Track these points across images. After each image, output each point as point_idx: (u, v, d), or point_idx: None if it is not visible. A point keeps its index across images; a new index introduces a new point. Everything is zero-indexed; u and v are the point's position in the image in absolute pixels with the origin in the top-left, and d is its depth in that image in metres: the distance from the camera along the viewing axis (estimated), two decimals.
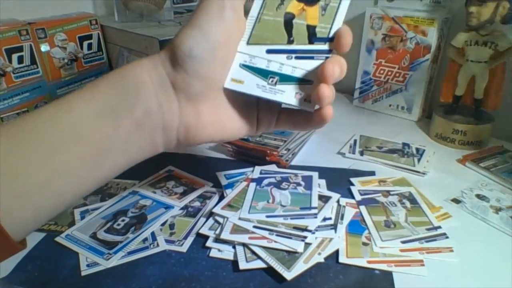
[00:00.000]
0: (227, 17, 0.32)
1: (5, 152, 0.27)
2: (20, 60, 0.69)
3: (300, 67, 0.33)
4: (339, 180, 0.53)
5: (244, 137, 0.38)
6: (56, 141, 0.28)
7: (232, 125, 0.36)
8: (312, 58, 0.33)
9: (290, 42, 0.34)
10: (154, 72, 0.32)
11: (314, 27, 0.34)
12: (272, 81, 0.34)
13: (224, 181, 0.51)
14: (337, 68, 0.32)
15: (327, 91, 0.32)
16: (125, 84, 0.31)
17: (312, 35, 0.34)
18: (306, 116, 0.36)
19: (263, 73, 0.34)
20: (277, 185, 0.49)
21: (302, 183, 0.50)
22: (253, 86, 0.34)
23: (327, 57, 0.33)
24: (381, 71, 0.75)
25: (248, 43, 0.34)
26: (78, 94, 0.31)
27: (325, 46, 0.33)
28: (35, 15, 0.75)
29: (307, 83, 0.33)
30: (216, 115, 0.34)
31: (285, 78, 0.33)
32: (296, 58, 0.34)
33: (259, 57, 0.34)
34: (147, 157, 0.34)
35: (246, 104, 0.36)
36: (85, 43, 0.78)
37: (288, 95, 0.33)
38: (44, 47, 0.72)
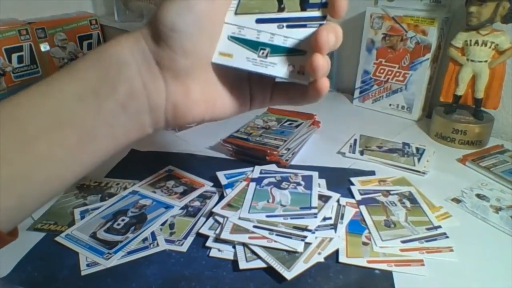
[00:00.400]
0: None
1: None
2: (20, 59, 0.69)
3: (292, 37, 0.31)
4: (339, 179, 0.53)
5: (237, 115, 0.36)
6: (37, 128, 0.27)
7: (223, 102, 0.34)
8: (305, 26, 0.31)
9: (281, 10, 0.31)
10: (136, 49, 0.30)
11: None
12: (263, 53, 0.31)
13: (224, 181, 0.51)
14: (332, 35, 0.29)
15: (321, 61, 0.29)
16: (106, 64, 0.29)
17: (304, 1, 0.31)
18: (301, 89, 0.33)
19: (253, 45, 0.32)
20: (277, 185, 0.49)
21: (302, 182, 0.50)
22: (243, 60, 0.32)
23: (321, 24, 0.31)
24: (381, 71, 0.75)
25: (236, 13, 0.32)
26: (57, 77, 0.29)
27: (318, 13, 0.31)
28: (35, 15, 0.75)
29: (300, 53, 0.31)
30: (206, 93, 0.32)
31: (276, 50, 0.31)
32: (288, 27, 0.31)
33: (249, 28, 0.32)
34: (136, 139, 0.32)
35: (237, 79, 0.34)
36: (85, 43, 0.78)
37: (281, 68, 0.31)
38: (44, 47, 0.72)
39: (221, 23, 0.32)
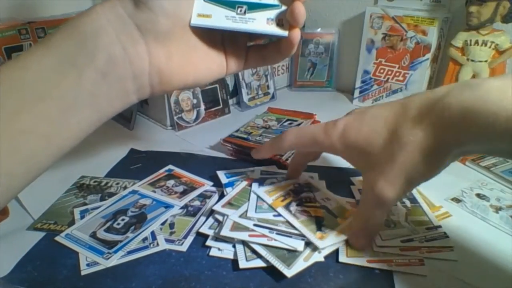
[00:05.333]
0: None
1: None
2: None
3: None
4: (339, 179, 0.53)
5: (216, 79, 0.37)
6: (17, 102, 0.27)
7: (203, 65, 0.35)
8: None
9: None
10: (112, 14, 0.30)
11: None
12: (240, 10, 0.32)
13: (224, 180, 0.51)
14: None
15: (302, 9, 0.31)
16: (82, 33, 0.29)
17: None
18: (274, 46, 0.35)
19: (230, 4, 0.32)
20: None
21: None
22: (222, 19, 0.32)
23: None
24: (381, 71, 0.75)
25: None
26: (33, 50, 0.29)
27: None
28: (35, 15, 0.75)
29: (277, 7, 0.32)
30: (187, 56, 0.33)
31: (253, 6, 0.32)
32: None
33: None
34: (120, 109, 0.32)
35: (212, 42, 0.35)
36: None
37: (260, 22, 0.32)
38: None
39: None
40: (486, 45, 0.59)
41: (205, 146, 0.63)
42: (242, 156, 0.58)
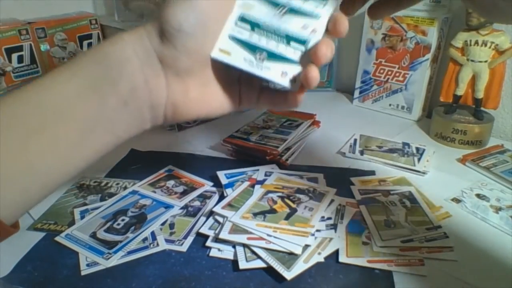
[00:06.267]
0: None
1: None
2: (20, 59, 0.69)
3: (290, 46, 0.33)
4: (339, 179, 0.53)
5: (228, 112, 0.37)
6: (39, 122, 0.28)
7: (217, 101, 0.35)
8: (304, 39, 0.33)
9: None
10: (139, 46, 0.30)
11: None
12: (260, 57, 0.33)
13: (224, 180, 0.51)
14: (329, 51, 0.31)
15: (316, 74, 0.31)
16: (107, 59, 0.30)
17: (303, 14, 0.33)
18: (283, 96, 0.36)
19: (252, 48, 0.33)
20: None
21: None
22: (240, 59, 0.33)
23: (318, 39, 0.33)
24: (381, 71, 0.75)
25: (240, 16, 0.33)
26: (58, 73, 0.30)
27: (319, 26, 0.33)
28: (35, 15, 0.75)
29: (295, 63, 0.33)
30: (203, 91, 0.34)
31: (273, 56, 0.33)
32: (287, 36, 0.33)
33: (249, 31, 0.33)
34: (135, 134, 0.33)
35: (229, 80, 0.36)
36: (85, 43, 0.78)
37: (274, 73, 0.33)
38: (44, 47, 0.72)
39: (225, 21, 0.33)
40: (486, 45, 0.59)
41: (205, 146, 0.63)
42: (242, 157, 0.58)
